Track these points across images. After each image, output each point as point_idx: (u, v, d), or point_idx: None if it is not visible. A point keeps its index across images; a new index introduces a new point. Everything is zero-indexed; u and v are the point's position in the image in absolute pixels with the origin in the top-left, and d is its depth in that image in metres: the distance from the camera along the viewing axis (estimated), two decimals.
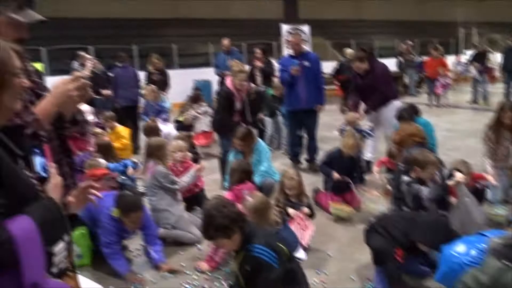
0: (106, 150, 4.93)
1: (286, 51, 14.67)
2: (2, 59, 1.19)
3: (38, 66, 11.66)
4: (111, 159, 4.89)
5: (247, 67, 8.56)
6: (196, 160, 5.42)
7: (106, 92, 8.56)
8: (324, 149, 6.53)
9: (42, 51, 12.58)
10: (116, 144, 5.98)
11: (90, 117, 6.11)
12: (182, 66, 14.73)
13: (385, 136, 5.52)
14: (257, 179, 4.21)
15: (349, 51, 12.09)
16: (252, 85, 5.33)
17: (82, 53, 9.53)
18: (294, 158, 5.95)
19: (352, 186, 4.46)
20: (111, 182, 4.44)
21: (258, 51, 8.89)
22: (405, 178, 3.43)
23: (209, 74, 11.91)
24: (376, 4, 22.37)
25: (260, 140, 4.74)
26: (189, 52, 16.36)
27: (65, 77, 1.70)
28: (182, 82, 11.63)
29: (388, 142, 5.19)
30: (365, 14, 22.66)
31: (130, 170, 4.82)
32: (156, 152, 3.96)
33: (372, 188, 4.90)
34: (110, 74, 8.99)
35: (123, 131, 6.28)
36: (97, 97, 8.62)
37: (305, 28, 15.17)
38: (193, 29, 17.44)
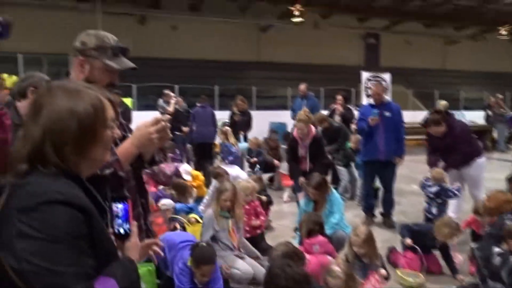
0: (182, 191, 5.18)
1: (366, 100, 14.55)
2: (96, 111, 1.19)
3: (128, 101, 12.62)
4: (185, 199, 5.10)
5: (325, 112, 8.53)
6: (269, 203, 5.36)
7: (186, 128, 8.92)
8: (401, 203, 6.21)
9: (133, 88, 13.46)
10: (192, 183, 6.23)
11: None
12: (259, 107, 15.02)
13: (470, 195, 5.11)
14: (328, 231, 4.03)
15: (443, 103, 11.69)
16: (314, 129, 5.15)
17: (167, 91, 10.05)
18: (368, 210, 5.68)
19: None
20: (174, 223, 4.49)
21: (339, 97, 8.93)
22: (497, 249, 3.08)
23: (285, 117, 12.00)
24: (462, 53, 21.50)
25: (334, 190, 4.57)
26: (267, 94, 16.74)
27: (147, 120, 1.76)
28: (258, 123, 11.78)
29: (475, 202, 4.79)
30: (450, 63, 21.85)
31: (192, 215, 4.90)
32: (217, 195, 3.96)
33: (456, 252, 4.45)
34: (191, 111, 9.43)
35: (195, 172, 6.51)
36: (178, 133, 9.03)
37: (386, 76, 14.92)
38: (274, 72, 17.85)
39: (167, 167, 5.33)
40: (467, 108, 18.14)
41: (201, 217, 4.94)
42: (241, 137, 8.45)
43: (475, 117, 14.76)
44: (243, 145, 8.07)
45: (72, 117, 1.13)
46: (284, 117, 12.39)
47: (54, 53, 13.15)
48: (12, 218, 1.05)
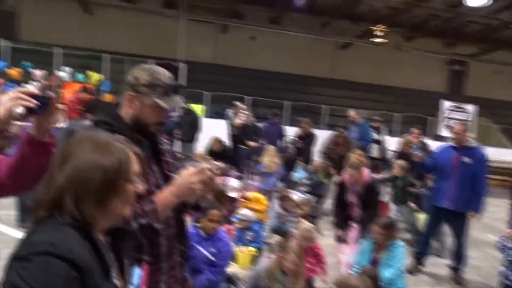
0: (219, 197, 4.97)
1: (444, 131, 13.67)
2: (121, 165, 1.18)
3: (199, 108, 12.87)
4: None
5: (395, 139, 7.93)
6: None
7: (252, 143, 8.84)
8: (473, 256, 5.59)
9: (206, 95, 13.72)
10: (256, 207, 6.08)
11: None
12: (331, 126, 14.65)
13: None
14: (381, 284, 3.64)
15: None
16: (375, 176, 4.64)
17: (238, 103, 10.05)
18: (418, 256, 5.13)
19: None
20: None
21: (415, 131, 8.20)
22: None
23: None
24: None
25: (400, 242, 4.11)
26: (339, 113, 16.32)
27: (191, 169, 1.65)
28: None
29: None
30: None
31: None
32: (280, 251, 3.70)
33: None
34: (259, 125, 9.39)
35: (258, 195, 6.36)
36: (242, 147, 8.99)
37: (469, 107, 14.00)
38: (347, 91, 17.41)
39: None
40: None
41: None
42: (300, 166, 8.09)
43: None
44: (300, 174, 7.72)
45: (96, 169, 1.14)
46: None
47: (136, 54, 13.76)
48: (11, 265, 1.06)
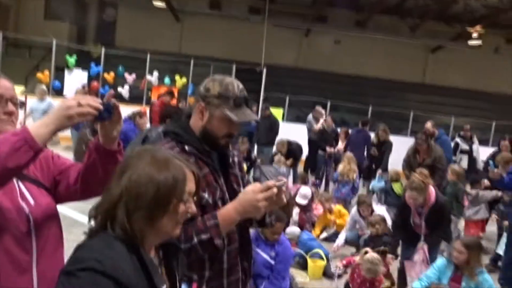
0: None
1: None
2: (176, 183, 1.16)
3: (279, 112, 12.87)
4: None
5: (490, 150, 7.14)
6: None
7: (330, 149, 8.63)
8: None
9: (286, 99, 13.67)
10: (338, 221, 5.97)
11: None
12: (416, 133, 13.82)
13: None
14: None
15: None
16: (433, 194, 3.90)
17: (319, 108, 9.88)
18: (505, 283, 4.52)
19: None
20: None
21: (505, 143, 7.32)
22: None
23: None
24: None
25: (485, 271, 3.54)
26: (426, 120, 15.37)
27: (257, 185, 1.57)
28: None
29: None
30: None
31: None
32: None
33: None
34: (338, 131, 9.14)
35: (342, 209, 6.16)
36: (321, 152, 8.81)
37: None
38: (438, 97, 16.38)
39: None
40: None
41: (326, 256, 4.64)
42: (378, 175, 7.63)
43: None
44: (378, 184, 7.32)
45: (151, 184, 1.14)
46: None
47: (220, 59, 14.13)
48: (60, 279, 1.09)
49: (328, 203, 6.11)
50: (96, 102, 1.30)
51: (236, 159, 1.86)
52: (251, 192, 1.55)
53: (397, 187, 6.55)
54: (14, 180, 1.40)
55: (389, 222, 5.06)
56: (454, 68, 16.87)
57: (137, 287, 1.07)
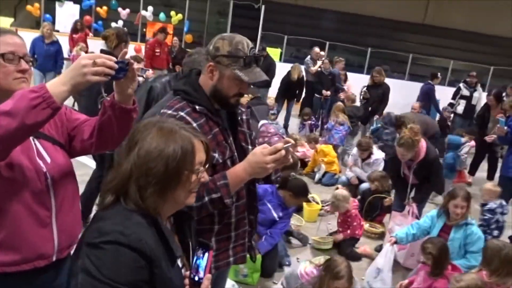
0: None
1: None
2: (185, 154, 1.17)
3: (277, 52, 12.62)
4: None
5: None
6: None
7: (326, 92, 8.61)
8: None
9: (284, 38, 13.35)
10: (326, 159, 6.08)
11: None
12: (415, 76, 13.69)
13: None
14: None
15: None
16: (424, 149, 3.94)
17: (317, 49, 9.71)
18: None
19: None
20: None
21: (490, 98, 6.94)
22: None
23: (438, 93, 10.55)
24: None
25: (476, 226, 3.58)
26: (424, 63, 15.20)
27: (266, 147, 1.60)
28: (407, 94, 10.62)
29: None
30: None
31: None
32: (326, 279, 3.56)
33: None
34: (336, 73, 9.05)
35: (326, 148, 6.26)
36: (317, 95, 8.79)
37: None
38: (438, 38, 16.04)
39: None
40: None
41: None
42: (375, 120, 7.65)
43: None
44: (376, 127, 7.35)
45: (160, 159, 1.14)
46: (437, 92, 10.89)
47: None
48: (82, 250, 1.12)
49: (312, 144, 6.35)
50: (111, 61, 1.30)
51: (244, 117, 1.89)
52: (260, 154, 1.59)
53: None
54: (31, 138, 1.43)
55: None
56: (456, 9, 16.37)
57: (158, 257, 1.12)
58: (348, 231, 4.12)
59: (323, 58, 9.36)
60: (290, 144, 1.62)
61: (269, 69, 9.12)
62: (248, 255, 1.96)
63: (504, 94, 7.62)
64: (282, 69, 9.30)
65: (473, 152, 6.63)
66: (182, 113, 1.63)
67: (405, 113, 6.64)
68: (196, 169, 1.20)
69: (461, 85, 9.10)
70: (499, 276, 2.87)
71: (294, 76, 8.62)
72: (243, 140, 1.83)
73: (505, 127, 4.43)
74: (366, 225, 4.49)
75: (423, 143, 3.96)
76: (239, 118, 1.85)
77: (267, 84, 9.16)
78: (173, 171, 1.15)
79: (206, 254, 1.27)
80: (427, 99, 8.83)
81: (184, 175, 1.17)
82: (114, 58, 1.32)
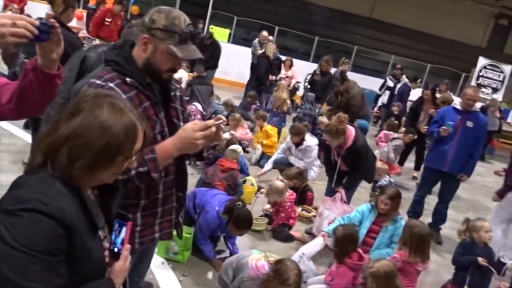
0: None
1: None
2: (125, 140, 1.14)
3: (226, 33, 12.49)
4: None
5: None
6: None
7: (272, 77, 8.68)
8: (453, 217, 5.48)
9: (234, 19, 13.25)
10: (265, 142, 6.14)
11: None
12: (358, 68, 14.14)
13: None
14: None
15: None
16: (352, 137, 4.09)
17: (265, 33, 9.73)
18: (413, 217, 5.08)
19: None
20: (233, 179, 4.43)
21: (427, 92, 7.14)
22: None
23: (378, 85, 11.06)
24: None
25: (403, 219, 3.75)
26: (368, 56, 15.72)
27: (196, 123, 1.60)
28: None
29: None
30: None
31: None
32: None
33: None
34: (283, 58, 9.16)
35: (272, 129, 6.33)
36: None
37: (507, 68, 13.30)
38: (382, 33, 16.62)
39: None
40: None
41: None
42: (318, 108, 7.86)
43: None
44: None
45: (103, 135, 1.11)
46: (377, 85, 11.41)
47: None
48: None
49: (260, 121, 6.39)
50: (32, 24, 1.23)
51: (177, 93, 1.87)
52: (191, 130, 1.59)
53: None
54: None
55: None
56: (402, 7, 17.01)
57: (79, 227, 1.09)
58: (281, 219, 4.23)
59: (271, 43, 9.41)
60: (221, 121, 1.63)
61: (214, 54, 9.08)
62: (175, 232, 1.97)
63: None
64: (230, 51, 9.29)
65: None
66: (111, 84, 1.58)
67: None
68: (130, 155, 1.18)
69: (387, 77, 9.71)
70: (417, 253, 3.07)
71: (270, 54, 8.56)
72: (174, 116, 1.80)
73: (450, 129, 4.71)
74: (298, 209, 4.63)
75: (351, 131, 4.10)
76: (173, 94, 1.82)
77: (213, 66, 9.12)
78: (111, 152, 1.12)
79: (125, 226, 1.27)
80: (402, 99, 9.27)
81: (119, 158, 1.15)
82: (37, 22, 1.26)
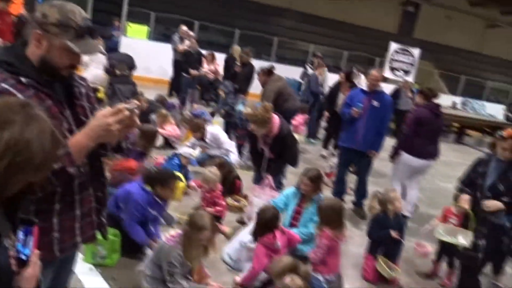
0: (150, 139, 4.67)
1: (389, 73, 13.93)
2: (45, 162, 1.15)
3: (143, 29, 12.18)
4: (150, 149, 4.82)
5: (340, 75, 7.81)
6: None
7: (194, 72, 8.65)
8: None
9: (151, 15, 12.97)
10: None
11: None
12: (281, 59, 14.43)
13: None
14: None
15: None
16: (277, 125, 4.25)
17: (185, 28, 9.65)
18: (337, 196, 5.39)
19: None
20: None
21: (342, 75, 7.58)
22: None
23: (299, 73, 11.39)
24: (502, 40, 19.94)
25: (322, 195, 3.95)
26: (289, 46, 16.09)
27: (107, 109, 1.55)
28: None
29: None
30: (487, 48, 20.39)
31: None
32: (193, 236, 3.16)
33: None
34: (203, 53, 9.13)
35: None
36: (185, 75, 8.77)
37: (415, 51, 14.26)
38: (302, 24, 17.06)
39: None
40: (489, 100, 17.44)
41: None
42: (240, 101, 7.92)
43: (497, 111, 14.17)
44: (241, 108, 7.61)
45: (26, 150, 1.10)
46: (298, 74, 11.73)
47: None
48: None
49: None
50: None
51: (83, 90, 1.79)
52: (102, 116, 1.53)
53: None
54: None
55: None
56: None
57: None
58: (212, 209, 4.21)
59: (191, 37, 9.35)
60: (134, 105, 1.59)
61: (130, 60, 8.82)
62: (99, 233, 1.90)
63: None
64: (150, 49, 9.09)
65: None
66: (5, 85, 1.49)
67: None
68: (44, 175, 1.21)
69: (306, 65, 10.11)
70: (332, 225, 3.21)
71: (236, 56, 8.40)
72: (82, 113, 1.73)
73: (360, 110, 4.97)
74: (228, 199, 4.67)
75: (276, 120, 4.24)
76: (77, 90, 1.75)
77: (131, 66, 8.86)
78: (21, 169, 1.11)
79: (30, 232, 1.23)
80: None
81: (32, 176, 1.16)
82: None
